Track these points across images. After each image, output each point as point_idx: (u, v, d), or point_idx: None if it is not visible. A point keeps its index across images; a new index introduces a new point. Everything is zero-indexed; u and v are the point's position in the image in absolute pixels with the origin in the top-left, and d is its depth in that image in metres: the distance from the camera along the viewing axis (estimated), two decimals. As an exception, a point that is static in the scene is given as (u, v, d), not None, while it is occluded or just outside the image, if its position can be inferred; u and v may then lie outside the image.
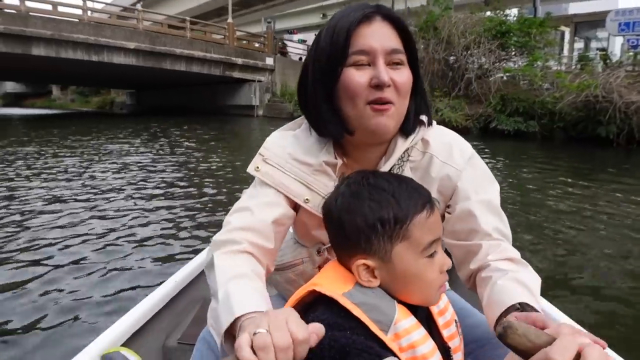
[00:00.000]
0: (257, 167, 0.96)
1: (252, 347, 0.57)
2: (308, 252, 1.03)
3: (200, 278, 1.70)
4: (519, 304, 0.74)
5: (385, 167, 0.93)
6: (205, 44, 23.35)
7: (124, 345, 1.20)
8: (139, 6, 22.96)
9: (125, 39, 20.15)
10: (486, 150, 10.78)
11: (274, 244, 0.89)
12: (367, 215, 0.70)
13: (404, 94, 0.87)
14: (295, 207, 0.96)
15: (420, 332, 0.70)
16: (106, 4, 28.31)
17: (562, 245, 3.94)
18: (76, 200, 5.23)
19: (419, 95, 0.93)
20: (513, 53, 15.70)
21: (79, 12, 19.66)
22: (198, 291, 1.70)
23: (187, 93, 30.32)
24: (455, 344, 0.78)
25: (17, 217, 4.50)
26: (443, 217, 0.97)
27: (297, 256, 1.04)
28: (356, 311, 0.66)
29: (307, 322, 0.61)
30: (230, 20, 25.22)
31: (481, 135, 14.19)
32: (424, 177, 0.94)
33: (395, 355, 0.65)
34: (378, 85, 0.83)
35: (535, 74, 13.63)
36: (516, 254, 0.89)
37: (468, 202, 0.92)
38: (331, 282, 0.72)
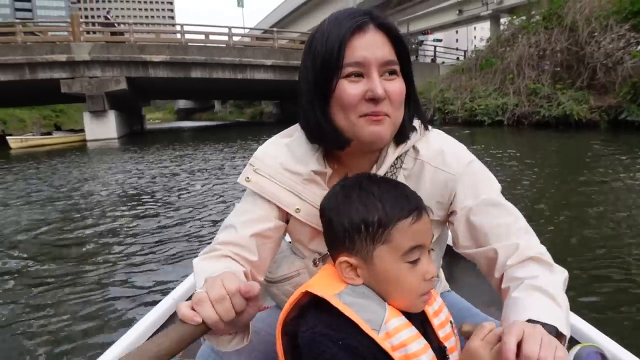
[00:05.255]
0: (248, 178, 0.95)
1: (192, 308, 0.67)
2: (304, 263, 1.01)
3: None
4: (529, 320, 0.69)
5: None
6: (334, 54, 25.07)
7: None
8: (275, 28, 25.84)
9: (264, 57, 23.02)
10: (615, 145, 9.75)
11: (257, 255, 0.91)
12: (353, 216, 0.72)
13: (397, 105, 0.86)
14: (288, 217, 0.96)
15: (411, 330, 0.71)
16: (250, 29, 32.06)
17: None
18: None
19: (412, 103, 0.91)
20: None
21: (225, 38, 23.12)
22: None
23: (322, 101, 32.56)
24: (451, 344, 0.78)
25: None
26: (443, 224, 0.97)
27: (293, 268, 1.02)
28: (347, 311, 0.68)
29: (302, 331, 0.70)
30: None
31: (610, 129, 12.92)
32: (417, 184, 0.91)
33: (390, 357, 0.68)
34: (372, 99, 0.82)
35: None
36: (538, 250, 0.84)
37: (472, 209, 0.89)
38: (324, 284, 0.74)
